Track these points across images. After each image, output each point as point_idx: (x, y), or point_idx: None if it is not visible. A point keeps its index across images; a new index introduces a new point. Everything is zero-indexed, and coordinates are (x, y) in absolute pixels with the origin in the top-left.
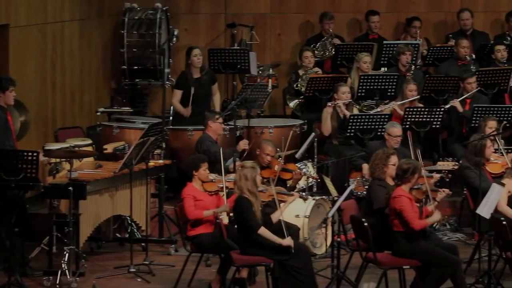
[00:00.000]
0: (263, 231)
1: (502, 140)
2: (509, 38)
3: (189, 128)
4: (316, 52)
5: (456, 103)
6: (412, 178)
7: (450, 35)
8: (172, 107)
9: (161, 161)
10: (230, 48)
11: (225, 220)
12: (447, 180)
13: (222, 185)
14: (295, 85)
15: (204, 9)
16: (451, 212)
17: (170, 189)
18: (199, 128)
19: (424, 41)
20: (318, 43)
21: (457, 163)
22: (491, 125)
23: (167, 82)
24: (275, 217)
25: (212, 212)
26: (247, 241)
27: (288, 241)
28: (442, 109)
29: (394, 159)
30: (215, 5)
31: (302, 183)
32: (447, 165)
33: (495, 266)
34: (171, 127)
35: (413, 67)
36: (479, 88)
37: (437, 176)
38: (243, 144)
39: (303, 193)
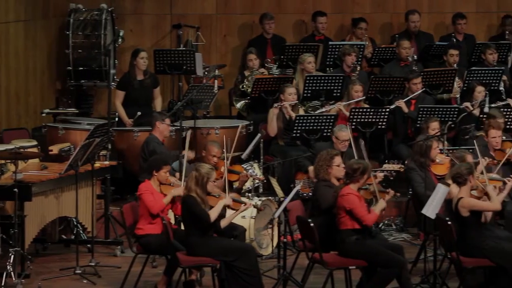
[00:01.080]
0: (214, 217)
1: (446, 142)
2: (454, 40)
3: (135, 129)
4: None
5: (401, 103)
6: (361, 178)
7: (397, 35)
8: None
9: (106, 162)
10: (175, 49)
11: (172, 221)
12: (391, 178)
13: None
14: (241, 86)
15: (149, 10)
16: (396, 212)
17: (116, 190)
18: (144, 129)
19: (369, 42)
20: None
21: (402, 166)
22: (434, 127)
23: (113, 83)
24: (222, 223)
25: (171, 196)
26: (195, 241)
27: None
28: (388, 109)
29: (338, 160)
30: (161, 5)
31: (248, 184)
32: (392, 167)
33: (441, 266)
34: (116, 128)
35: (358, 67)
36: (424, 88)
37: (380, 175)
38: (190, 155)
39: (258, 204)
